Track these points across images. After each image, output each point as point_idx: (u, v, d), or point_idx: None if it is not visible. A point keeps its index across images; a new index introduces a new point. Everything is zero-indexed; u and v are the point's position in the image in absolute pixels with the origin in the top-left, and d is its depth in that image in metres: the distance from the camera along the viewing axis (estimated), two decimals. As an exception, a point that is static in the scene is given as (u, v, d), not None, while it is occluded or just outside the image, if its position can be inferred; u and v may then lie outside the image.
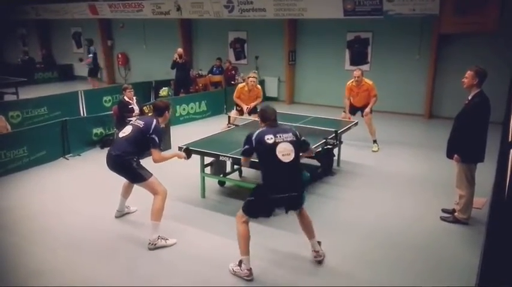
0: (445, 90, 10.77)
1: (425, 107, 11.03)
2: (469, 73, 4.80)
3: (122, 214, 5.35)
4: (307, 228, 4.28)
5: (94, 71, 13.23)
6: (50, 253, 4.53)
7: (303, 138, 4.11)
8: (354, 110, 8.22)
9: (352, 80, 8.06)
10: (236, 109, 8.19)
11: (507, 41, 9.66)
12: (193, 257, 4.43)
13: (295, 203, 4.12)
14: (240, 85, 8.23)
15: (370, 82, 7.99)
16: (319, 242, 4.33)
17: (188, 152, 5.18)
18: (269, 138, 3.86)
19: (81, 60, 13.00)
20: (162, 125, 4.92)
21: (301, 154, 4.16)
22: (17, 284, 4.01)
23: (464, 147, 4.81)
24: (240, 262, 4.05)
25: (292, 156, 3.87)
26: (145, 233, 4.75)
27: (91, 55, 12.70)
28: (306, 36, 12.74)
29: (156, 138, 4.58)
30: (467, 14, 9.34)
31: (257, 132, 3.96)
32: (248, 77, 8.05)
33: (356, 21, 11.27)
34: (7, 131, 7.41)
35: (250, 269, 4.01)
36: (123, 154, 4.59)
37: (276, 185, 3.91)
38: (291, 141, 3.90)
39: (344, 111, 8.28)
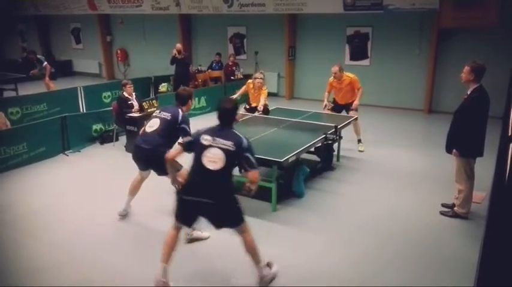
0: (444, 85, 10.75)
1: (425, 102, 11.01)
2: (466, 68, 4.81)
3: (126, 213, 5.19)
4: (250, 254, 3.79)
5: (54, 74, 12.47)
6: (50, 249, 4.54)
7: (247, 154, 3.57)
8: (338, 108, 7.93)
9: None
10: (245, 107, 8.09)
11: (507, 36, 9.64)
12: (192, 254, 4.43)
13: (217, 217, 3.71)
14: (249, 81, 8.10)
15: (351, 75, 7.68)
16: (269, 264, 3.90)
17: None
18: (205, 139, 3.60)
19: (33, 74, 11.95)
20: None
21: (243, 172, 3.73)
22: (18, 280, 4.02)
23: (463, 142, 4.82)
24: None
25: (218, 165, 3.51)
26: (146, 229, 4.76)
27: (45, 63, 12.08)
28: (305, 32, 12.70)
29: (187, 128, 4.63)
30: (467, 8, 9.31)
31: (204, 128, 3.73)
32: (255, 78, 7.86)
33: (356, 16, 11.24)
34: (7, 127, 7.40)
35: (164, 282, 3.65)
36: (157, 147, 4.60)
37: (190, 185, 3.66)
38: (225, 150, 3.52)
39: (325, 106, 7.83)
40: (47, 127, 7.52)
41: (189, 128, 4.64)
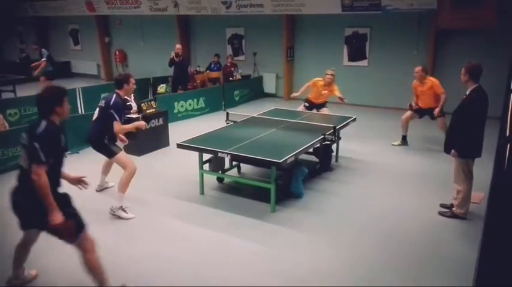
0: (443, 85, 10.67)
1: (424, 102, 11.02)
2: (462, 70, 4.85)
3: (102, 188, 6.02)
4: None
5: (51, 73, 12.41)
6: (51, 249, 4.53)
7: (34, 143, 3.35)
8: (421, 112, 7.94)
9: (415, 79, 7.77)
10: (304, 105, 8.29)
11: (505, 37, 9.66)
12: (191, 253, 4.44)
13: (25, 218, 3.72)
14: (316, 78, 8.15)
15: (433, 79, 7.65)
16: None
17: (146, 119, 5.73)
18: (23, 138, 3.57)
19: (34, 66, 12.08)
20: (126, 97, 5.85)
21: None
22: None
23: (461, 142, 4.83)
24: None
25: (25, 162, 3.48)
26: (146, 227, 4.76)
27: (44, 59, 12.12)
28: (304, 32, 12.72)
29: (114, 113, 5.14)
30: (465, 9, 9.33)
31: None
32: (326, 74, 7.94)
33: (354, 17, 11.26)
34: (5, 128, 7.39)
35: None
36: (94, 134, 5.31)
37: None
38: (25, 146, 3.48)
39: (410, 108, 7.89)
40: (46, 129, 7.50)
41: (118, 113, 5.18)
